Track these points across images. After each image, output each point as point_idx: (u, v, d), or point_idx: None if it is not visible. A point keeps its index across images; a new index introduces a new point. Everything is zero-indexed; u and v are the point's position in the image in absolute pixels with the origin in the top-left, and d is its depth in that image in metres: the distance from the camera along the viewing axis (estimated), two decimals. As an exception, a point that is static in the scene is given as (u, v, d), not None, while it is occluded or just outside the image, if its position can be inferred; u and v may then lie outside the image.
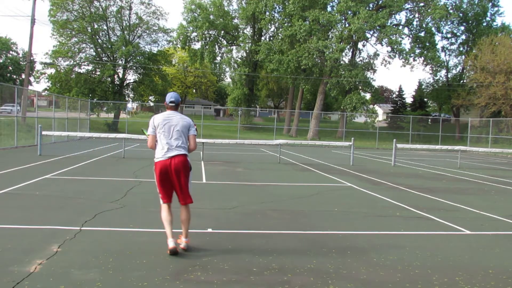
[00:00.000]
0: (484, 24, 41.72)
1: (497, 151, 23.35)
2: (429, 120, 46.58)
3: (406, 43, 69.45)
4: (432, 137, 36.45)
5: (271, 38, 42.17)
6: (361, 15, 32.87)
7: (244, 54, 43.68)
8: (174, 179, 4.55)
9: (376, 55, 38.36)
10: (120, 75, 37.69)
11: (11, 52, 58.49)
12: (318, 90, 39.79)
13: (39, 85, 62.18)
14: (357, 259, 4.46)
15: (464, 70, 42.97)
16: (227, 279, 3.75)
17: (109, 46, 35.73)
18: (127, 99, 39.46)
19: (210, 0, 41.48)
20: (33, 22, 25.17)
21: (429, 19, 37.40)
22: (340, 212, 6.98)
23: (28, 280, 3.50)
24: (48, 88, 36.15)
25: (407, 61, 37.60)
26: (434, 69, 41.72)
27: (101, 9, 35.34)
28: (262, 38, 42.57)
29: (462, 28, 42.72)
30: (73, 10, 34.47)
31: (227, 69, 46.99)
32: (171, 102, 4.65)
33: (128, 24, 36.84)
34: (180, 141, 4.56)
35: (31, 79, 41.38)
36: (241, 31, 43.64)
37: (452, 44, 43.84)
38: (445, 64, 43.65)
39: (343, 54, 36.65)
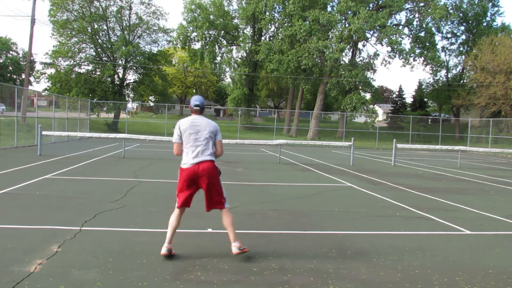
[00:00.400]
0: (484, 24, 41.73)
1: (497, 151, 23.35)
2: (429, 120, 46.60)
3: (406, 43, 69.56)
4: (432, 137, 36.45)
5: (271, 38, 42.17)
6: (361, 15, 32.87)
7: (244, 54, 43.69)
8: (203, 185, 4.41)
9: (376, 55, 38.39)
10: (120, 75, 37.70)
11: (11, 52, 58.53)
12: (318, 90, 39.79)
13: (39, 85, 62.23)
14: (357, 259, 4.46)
15: (464, 70, 42.98)
16: (227, 279, 3.75)
17: (109, 46, 35.74)
18: (127, 99, 39.47)
19: (210, 0, 41.49)
20: (33, 22, 25.17)
21: (429, 19, 37.41)
22: (340, 212, 6.98)
23: (28, 280, 3.50)
24: (48, 88, 36.17)
25: (407, 61, 37.61)
26: (434, 69, 41.73)
27: (101, 9, 35.35)
28: (262, 38, 42.58)
29: (462, 28, 42.74)
30: (73, 10, 34.48)
31: (227, 69, 47.04)
32: (196, 106, 4.46)
33: (128, 24, 36.86)
34: (208, 147, 4.41)
35: (31, 79, 41.37)
36: (241, 31, 43.65)
37: (452, 44, 43.90)
38: (445, 64, 43.67)
39: (343, 54, 36.67)
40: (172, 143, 4.78)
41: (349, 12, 35.23)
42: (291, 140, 31.34)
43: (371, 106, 42.89)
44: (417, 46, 38.52)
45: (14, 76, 57.92)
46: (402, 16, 70.44)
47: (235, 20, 43.60)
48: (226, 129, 41.89)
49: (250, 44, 41.52)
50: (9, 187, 7.78)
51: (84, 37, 34.94)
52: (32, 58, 43.23)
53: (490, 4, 41.53)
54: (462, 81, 42.08)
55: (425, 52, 37.55)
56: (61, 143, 20.80)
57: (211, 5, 41.32)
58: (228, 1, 43.22)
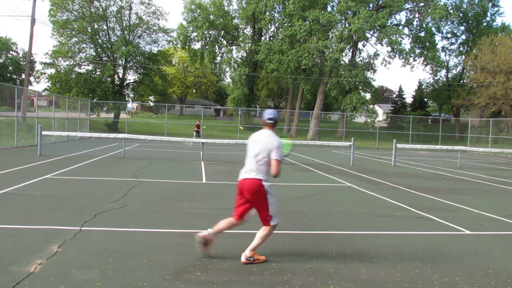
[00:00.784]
0: (484, 24, 41.73)
1: (497, 151, 23.34)
2: (429, 120, 46.61)
3: (406, 43, 69.66)
4: (432, 137, 36.45)
5: (271, 38, 42.18)
6: (361, 15, 32.88)
7: (244, 54, 43.70)
8: (248, 201, 4.33)
9: (376, 55, 38.38)
10: (120, 75, 37.69)
11: (11, 52, 58.54)
12: (318, 90, 39.79)
13: (39, 85, 62.21)
14: (357, 259, 4.46)
15: (464, 70, 42.98)
16: (227, 279, 3.75)
17: (109, 46, 35.73)
18: (127, 99, 39.46)
19: (210, 0, 41.49)
20: (33, 22, 25.18)
21: (429, 19, 37.40)
22: (340, 212, 6.98)
23: (28, 280, 3.50)
24: (48, 88, 36.12)
25: (407, 61, 37.61)
26: (434, 69, 41.73)
27: (101, 9, 35.34)
28: (262, 38, 42.58)
29: (462, 28, 42.74)
30: (73, 10, 34.46)
31: (227, 69, 47.06)
32: (269, 119, 4.35)
33: (128, 24, 36.84)
34: (256, 164, 4.25)
35: (31, 79, 41.44)
36: (241, 31, 43.65)
37: (452, 44, 43.90)
38: (445, 64, 43.67)
39: (343, 54, 36.67)
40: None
41: (349, 12, 35.23)
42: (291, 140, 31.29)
43: (371, 106, 42.84)
44: (417, 46, 38.52)
45: (14, 76, 57.93)
46: (402, 16, 70.58)
47: (235, 20, 43.62)
48: (226, 129, 41.90)
49: (250, 44, 41.52)
50: (9, 187, 7.78)
51: (84, 37, 34.93)
52: (32, 58, 43.26)
53: (490, 4, 41.54)
54: (462, 81, 42.09)
55: (425, 52, 37.55)
56: (61, 143, 20.80)
57: (211, 5, 41.33)
58: (228, 1, 43.25)
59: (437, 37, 74.53)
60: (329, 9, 37.78)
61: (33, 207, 6.39)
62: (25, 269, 3.73)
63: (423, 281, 3.89)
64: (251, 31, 42.68)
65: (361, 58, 40.58)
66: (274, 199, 4.32)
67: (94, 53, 36.13)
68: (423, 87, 48.65)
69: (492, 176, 13.59)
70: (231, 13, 43.41)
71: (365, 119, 39.77)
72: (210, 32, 42.16)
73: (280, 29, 38.99)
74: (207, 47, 42.14)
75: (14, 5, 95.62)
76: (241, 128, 34.67)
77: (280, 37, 38.49)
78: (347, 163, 15.99)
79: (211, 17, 40.87)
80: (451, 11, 39.57)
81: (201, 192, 8.34)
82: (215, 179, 10.28)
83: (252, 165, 4.27)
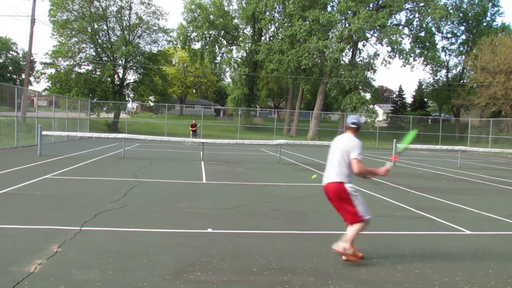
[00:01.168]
0: (484, 24, 41.72)
1: (497, 151, 23.34)
2: (429, 120, 46.61)
3: (406, 43, 69.55)
4: (432, 137, 36.44)
5: (271, 38, 42.16)
6: (361, 15, 32.87)
7: (244, 54, 43.68)
8: (333, 204, 4.52)
9: (376, 55, 38.35)
10: (120, 75, 37.69)
11: (11, 52, 58.52)
12: (318, 90, 39.78)
13: (39, 85, 62.20)
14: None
15: (464, 70, 42.98)
16: (227, 279, 3.75)
17: (109, 46, 35.73)
18: (127, 99, 39.46)
19: (210, 0, 41.48)
20: (33, 22, 25.17)
21: (429, 19, 37.38)
22: (340, 212, 6.97)
23: (28, 280, 3.50)
24: (48, 88, 36.11)
25: (407, 61, 37.59)
26: (434, 69, 41.72)
27: (101, 9, 35.33)
28: (262, 38, 42.56)
29: (462, 28, 42.73)
30: (73, 10, 34.45)
31: (227, 69, 47.02)
32: (352, 123, 4.50)
33: (128, 24, 36.84)
34: (336, 167, 4.37)
35: (31, 79, 41.43)
36: (241, 31, 43.64)
37: (452, 44, 43.88)
38: (445, 64, 43.66)
39: (343, 54, 36.65)
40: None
41: (349, 12, 35.22)
42: (291, 140, 31.33)
43: (371, 106, 42.75)
44: (417, 46, 38.50)
45: (14, 76, 57.92)
46: (402, 16, 70.55)
47: (235, 20, 43.60)
48: (226, 129, 41.91)
49: (250, 44, 41.51)
50: (9, 187, 7.78)
51: (84, 37, 34.92)
52: (32, 58, 43.26)
53: (490, 4, 41.53)
54: (462, 81, 42.08)
55: (425, 52, 37.53)
56: (61, 143, 20.80)
57: (211, 5, 41.32)
58: (228, 1, 43.23)
59: (437, 37, 74.37)
60: (329, 9, 37.76)
61: (33, 207, 6.39)
62: (25, 269, 3.73)
63: (423, 281, 3.89)
64: (251, 31, 42.67)
65: (361, 58, 40.58)
66: (361, 199, 4.40)
67: (94, 53, 36.13)
68: (423, 87, 48.64)
69: (492, 176, 13.59)
70: (231, 13, 43.40)
71: (365, 119, 39.75)
72: (210, 32, 42.15)
73: (280, 29, 38.97)
74: (207, 47, 42.12)
75: (14, 5, 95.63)
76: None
77: (280, 37, 38.47)
78: (347, 163, 15.96)
79: (211, 17, 40.85)
80: (451, 11, 39.55)
81: (201, 192, 8.34)
82: (215, 179, 10.28)
83: (333, 168, 4.42)
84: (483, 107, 36.04)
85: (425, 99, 54.23)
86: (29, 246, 4.42)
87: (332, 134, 39.82)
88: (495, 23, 42.59)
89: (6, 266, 3.80)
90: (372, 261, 4.43)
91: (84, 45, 35.70)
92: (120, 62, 36.02)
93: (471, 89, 38.24)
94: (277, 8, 38.80)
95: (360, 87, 38.23)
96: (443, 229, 6.00)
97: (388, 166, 4.39)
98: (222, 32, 43.01)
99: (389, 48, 37.33)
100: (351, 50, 39.28)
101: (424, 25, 38.45)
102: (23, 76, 41.25)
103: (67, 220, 5.60)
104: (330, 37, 36.50)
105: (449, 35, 43.34)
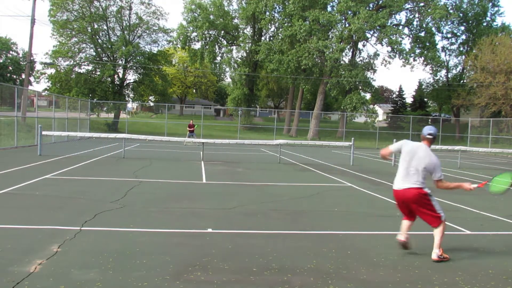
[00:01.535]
0: (484, 24, 41.74)
1: (497, 151, 23.33)
2: (429, 120, 46.57)
3: (406, 43, 69.70)
4: (432, 137, 36.39)
5: (271, 38, 42.17)
6: (361, 15, 32.87)
7: (244, 54, 43.69)
8: (411, 208, 4.63)
9: (376, 55, 38.38)
10: (120, 75, 37.69)
11: (11, 52, 58.51)
12: (318, 90, 39.79)
13: (39, 85, 62.10)
14: (357, 259, 4.46)
15: (464, 70, 42.99)
16: (227, 279, 3.75)
17: (109, 46, 35.72)
18: (127, 99, 39.46)
19: (210, 0, 41.48)
20: (33, 22, 25.17)
21: (429, 19, 37.40)
22: (340, 212, 6.98)
23: (28, 280, 3.50)
24: (48, 88, 36.10)
25: (407, 61, 37.60)
26: (434, 69, 41.73)
27: (101, 9, 35.33)
28: (262, 38, 42.57)
29: (462, 28, 42.75)
30: (73, 10, 34.45)
31: (227, 69, 47.02)
32: (429, 134, 4.63)
33: (128, 24, 36.83)
34: (414, 176, 4.55)
35: (31, 79, 41.35)
36: (241, 31, 43.64)
37: (452, 44, 43.90)
38: (445, 64, 43.67)
39: (343, 54, 36.66)
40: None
41: (349, 12, 35.23)
42: (291, 140, 31.32)
43: (371, 106, 42.87)
44: (417, 46, 38.52)
45: (14, 76, 57.90)
46: (402, 16, 70.42)
47: (235, 20, 43.61)
48: (226, 129, 41.92)
49: (250, 44, 41.51)
50: (9, 187, 7.78)
51: (84, 37, 34.92)
52: (32, 58, 43.22)
53: (490, 4, 41.54)
54: (462, 81, 42.08)
55: (425, 52, 37.55)
56: (61, 143, 20.80)
57: (211, 5, 41.32)
58: (228, 1, 43.23)
59: (437, 37, 74.40)
60: (329, 9, 37.77)
61: (33, 207, 6.39)
62: (25, 269, 3.73)
63: (423, 281, 3.89)
64: (251, 31, 42.68)
65: (361, 58, 40.62)
66: (434, 197, 4.62)
67: (94, 53, 36.13)
68: (423, 87, 48.65)
69: (492, 176, 13.58)
70: (231, 13, 43.39)
71: (365, 119, 39.77)
72: (210, 32, 42.15)
73: (280, 29, 38.98)
74: (207, 47, 42.13)
75: (14, 5, 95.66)
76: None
77: (280, 37, 38.48)
78: (347, 163, 15.98)
79: (211, 17, 40.85)
80: (451, 11, 39.57)
81: (201, 192, 8.34)
82: (215, 179, 10.28)
83: (410, 175, 4.54)
84: (483, 107, 36.04)
85: (425, 99, 54.23)
86: (29, 246, 4.42)
87: (332, 134, 39.90)
88: (495, 23, 42.64)
89: (6, 266, 3.80)
90: (372, 261, 4.43)
91: (84, 45, 35.70)
92: (120, 62, 36.02)
93: (471, 89, 38.24)
94: (277, 8, 38.81)
95: (360, 87, 38.24)
96: (443, 229, 5.99)
97: (473, 186, 4.75)
98: (222, 32, 43.02)
99: (389, 48, 37.37)
100: (351, 50, 39.29)
101: (424, 25, 38.47)
102: (23, 76, 41.25)
103: (67, 220, 5.60)
104: (330, 37, 36.51)
105: (449, 35, 43.39)
